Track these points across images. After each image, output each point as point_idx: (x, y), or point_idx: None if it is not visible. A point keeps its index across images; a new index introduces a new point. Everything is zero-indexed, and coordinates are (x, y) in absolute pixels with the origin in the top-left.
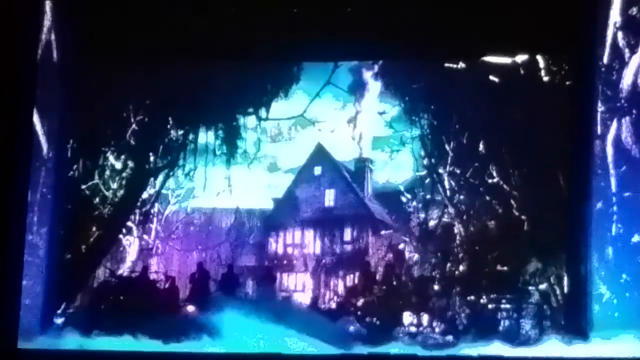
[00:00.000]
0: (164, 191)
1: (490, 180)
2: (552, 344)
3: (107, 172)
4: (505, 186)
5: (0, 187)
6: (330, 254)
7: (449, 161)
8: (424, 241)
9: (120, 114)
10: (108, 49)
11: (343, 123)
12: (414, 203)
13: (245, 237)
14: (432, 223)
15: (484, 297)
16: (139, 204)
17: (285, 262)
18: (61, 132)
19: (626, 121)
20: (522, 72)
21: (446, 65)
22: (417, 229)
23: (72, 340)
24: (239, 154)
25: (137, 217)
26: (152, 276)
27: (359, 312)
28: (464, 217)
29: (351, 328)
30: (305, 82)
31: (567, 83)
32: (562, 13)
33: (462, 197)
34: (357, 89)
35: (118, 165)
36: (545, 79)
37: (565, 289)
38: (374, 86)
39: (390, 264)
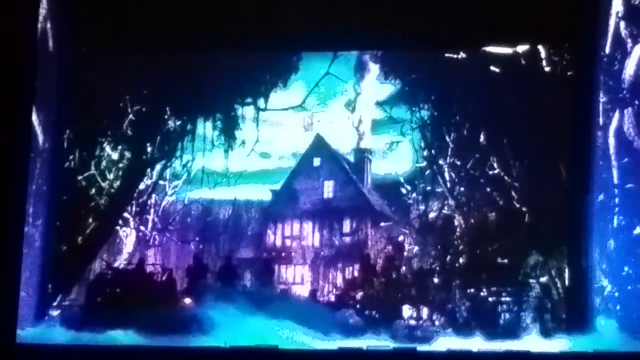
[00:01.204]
0: (161, 182)
1: (490, 172)
2: (552, 338)
3: (104, 163)
4: (506, 178)
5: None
6: (329, 246)
7: (449, 152)
8: (424, 233)
9: (117, 104)
10: (105, 38)
11: (342, 114)
12: (414, 195)
13: (243, 228)
14: (432, 215)
15: (484, 290)
16: (135, 194)
17: (283, 254)
18: (57, 122)
19: (628, 112)
20: (523, 62)
21: (446, 55)
22: (417, 221)
23: (67, 333)
24: (237, 145)
25: (134, 208)
26: (149, 268)
27: (358, 305)
28: (464, 209)
29: (350, 321)
30: (304, 72)
31: (569, 73)
32: (563, 2)
33: (462, 188)
34: (357, 79)
35: (115, 156)
36: (547, 69)
37: (567, 282)
38: (374, 76)
39: (390, 257)
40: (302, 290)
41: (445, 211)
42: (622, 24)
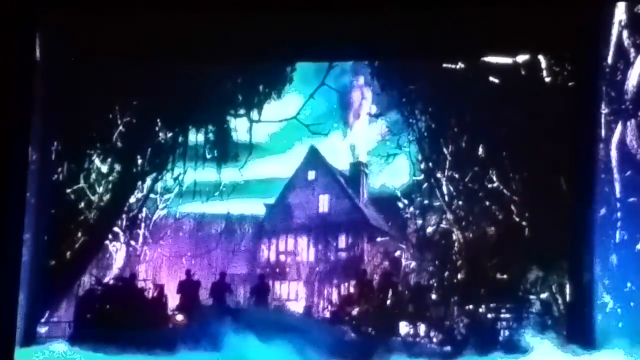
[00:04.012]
0: (152, 195)
1: (490, 185)
2: (552, 354)
3: (93, 176)
4: (505, 191)
5: None
6: (324, 261)
7: (447, 165)
8: (421, 248)
9: (107, 115)
10: (94, 48)
11: (337, 125)
12: (411, 209)
13: (236, 243)
14: (429, 229)
15: (483, 306)
16: (126, 208)
17: (277, 270)
18: (45, 134)
19: (631, 124)
20: (523, 72)
21: (445, 65)
22: (414, 235)
23: (56, 351)
24: (231, 157)
25: (124, 222)
26: (140, 284)
27: (353, 322)
28: (463, 223)
29: (346, 338)
30: (299, 83)
31: (570, 84)
32: (564, 11)
33: (460, 202)
34: (352, 90)
35: (104, 169)
36: (547, 79)
37: (568, 298)
38: (370, 87)
39: (386, 272)
40: (296, 307)
41: (443, 226)
42: (625, 33)
